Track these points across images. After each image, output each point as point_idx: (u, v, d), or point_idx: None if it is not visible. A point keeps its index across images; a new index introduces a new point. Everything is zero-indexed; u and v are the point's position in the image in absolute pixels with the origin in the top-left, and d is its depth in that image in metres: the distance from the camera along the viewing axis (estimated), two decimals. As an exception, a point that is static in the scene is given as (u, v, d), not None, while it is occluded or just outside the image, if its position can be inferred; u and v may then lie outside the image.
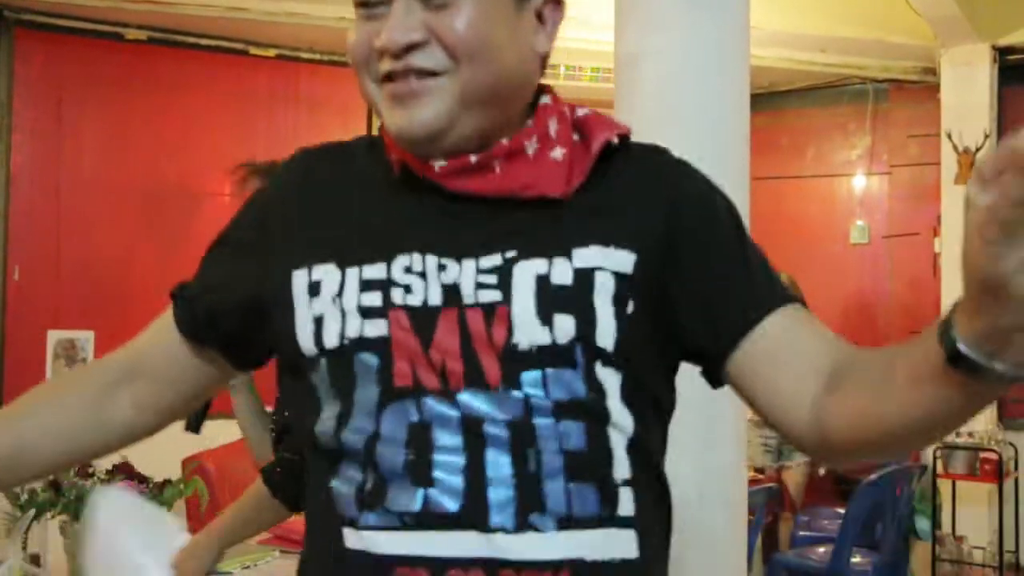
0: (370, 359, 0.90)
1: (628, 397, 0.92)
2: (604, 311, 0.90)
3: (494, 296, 0.90)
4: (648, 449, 0.96)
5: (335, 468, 0.93)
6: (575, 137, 0.97)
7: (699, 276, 0.96)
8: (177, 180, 5.32)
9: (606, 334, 0.90)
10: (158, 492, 2.07)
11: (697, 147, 2.29)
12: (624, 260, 0.92)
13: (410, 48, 0.89)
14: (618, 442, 0.92)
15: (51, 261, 4.96)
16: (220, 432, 2.76)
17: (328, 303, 0.93)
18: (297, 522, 1.91)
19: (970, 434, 5.14)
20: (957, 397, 0.78)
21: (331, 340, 0.92)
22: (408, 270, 0.92)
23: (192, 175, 5.39)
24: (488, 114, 0.92)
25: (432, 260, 0.92)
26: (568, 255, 0.91)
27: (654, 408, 0.98)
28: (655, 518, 0.97)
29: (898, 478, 4.34)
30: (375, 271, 0.92)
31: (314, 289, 0.94)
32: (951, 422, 0.83)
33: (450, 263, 0.91)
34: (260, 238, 1.03)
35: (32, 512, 2.02)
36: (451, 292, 0.91)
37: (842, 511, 4.34)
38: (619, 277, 0.92)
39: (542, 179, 0.94)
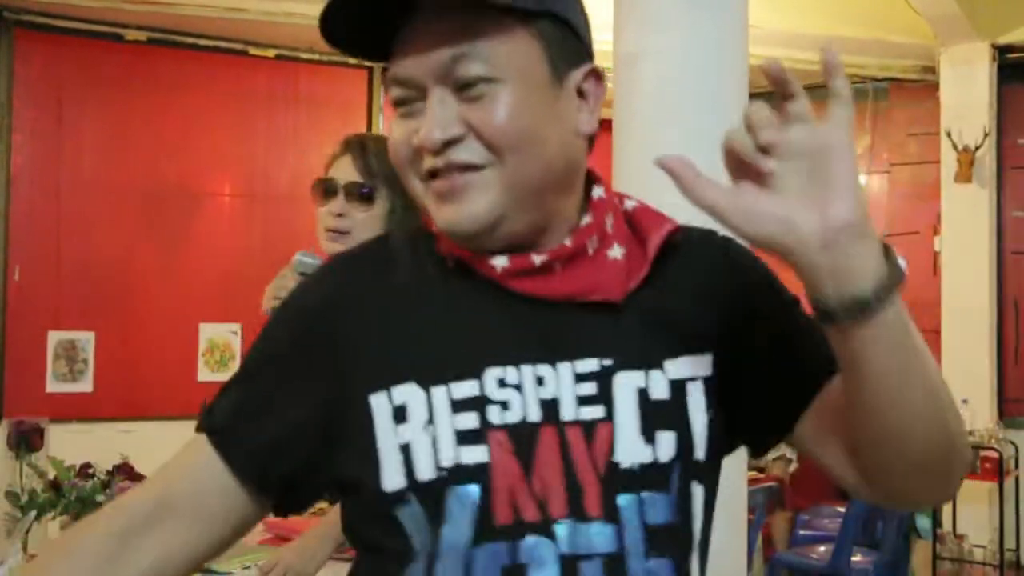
0: (469, 491, 0.83)
1: (707, 516, 0.91)
2: (698, 423, 0.88)
3: (596, 413, 0.86)
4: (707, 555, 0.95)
5: None
6: (630, 233, 0.93)
7: (768, 356, 0.93)
8: (177, 180, 5.32)
9: (700, 446, 0.88)
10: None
11: (696, 147, 2.30)
12: (706, 363, 0.91)
13: (449, 143, 0.84)
14: (696, 563, 0.91)
15: (51, 261, 4.96)
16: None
17: (418, 430, 0.84)
18: (297, 522, 1.91)
19: (970, 433, 5.14)
20: (848, 361, 0.80)
21: (425, 473, 0.83)
22: (502, 383, 0.85)
23: (192, 175, 5.39)
24: (539, 204, 0.87)
25: (528, 370, 0.86)
26: (660, 367, 0.88)
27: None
28: None
29: (898, 477, 4.33)
30: (467, 388, 0.85)
31: (399, 415, 0.85)
32: (883, 393, 0.81)
33: (546, 371, 0.86)
34: (315, 359, 0.90)
35: (33, 513, 2.03)
36: (550, 407, 0.85)
37: (842, 510, 4.34)
38: (705, 382, 0.90)
39: (603, 282, 0.89)
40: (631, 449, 0.85)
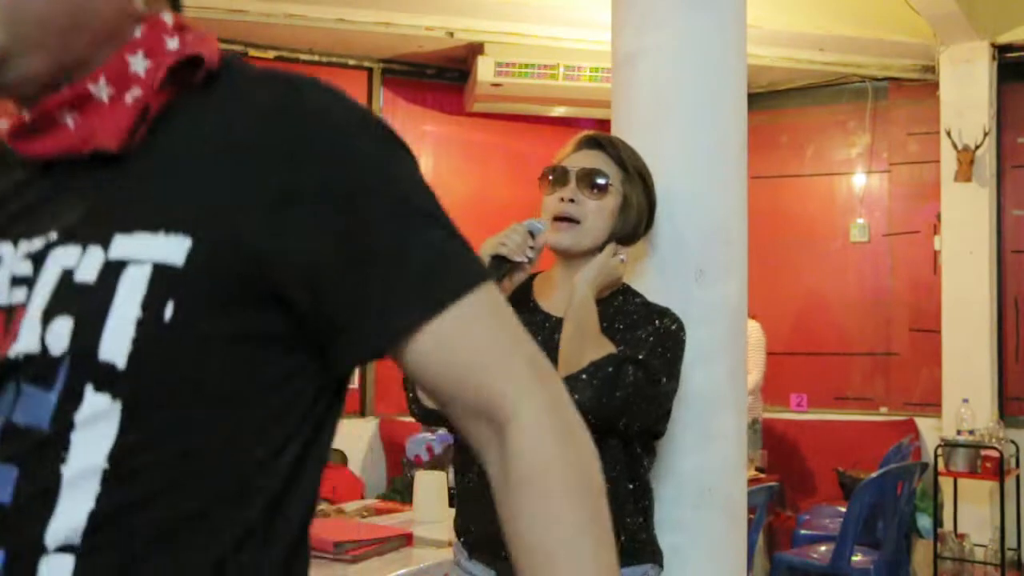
0: None
1: (127, 446, 0.70)
2: (120, 317, 0.70)
3: (19, 296, 0.73)
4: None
5: None
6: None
7: (325, 270, 0.74)
8: (177, 182, 5.32)
9: (114, 346, 0.70)
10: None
11: (695, 146, 2.31)
12: (171, 249, 0.71)
13: None
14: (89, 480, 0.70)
15: (51, 263, 4.97)
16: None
17: None
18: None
19: (971, 432, 5.14)
20: None
21: None
22: None
23: (192, 177, 5.39)
24: (53, 47, 0.74)
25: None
26: (106, 242, 0.72)
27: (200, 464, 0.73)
28: None
29: (899, 476, 4.34)
30: None
31: None
32: None
33: (6, 250, 0.76)
34: None
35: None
36: None
37: (843, 509, 4.34)
38: (158, 271, 0.71)
39: (101, 130, 0.74)
40: (27, 335, 0.71)
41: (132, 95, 0.75)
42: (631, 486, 1.82)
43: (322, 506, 1.91)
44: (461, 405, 0.79)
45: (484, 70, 5.40)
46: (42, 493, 0.70)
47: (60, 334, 0.70)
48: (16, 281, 0.74)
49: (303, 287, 0.73)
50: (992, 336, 5.53)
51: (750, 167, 2.39)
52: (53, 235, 0.74)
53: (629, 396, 1.72)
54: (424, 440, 4.95)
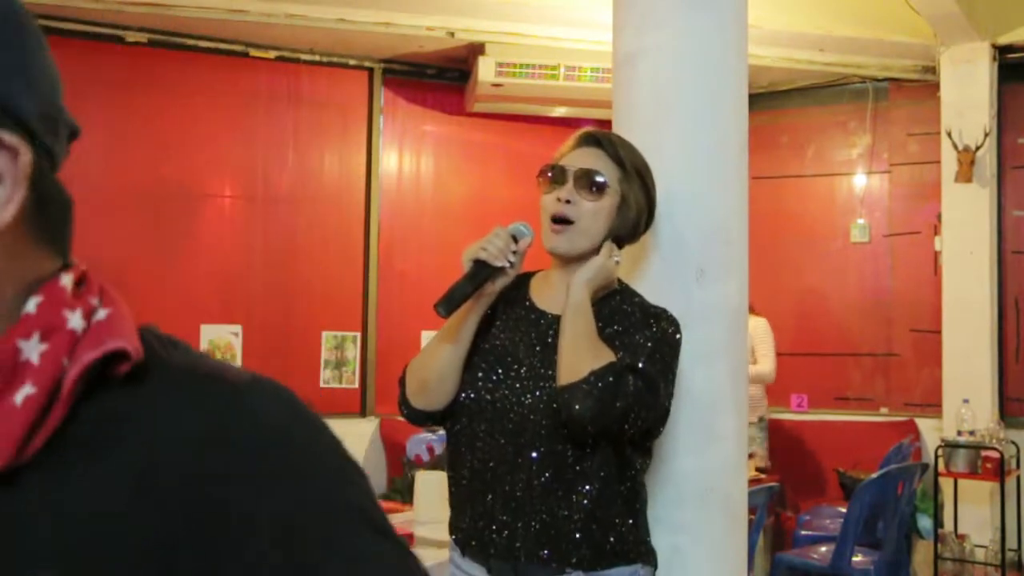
0: None
1: None
2: None
3: None
4: None
5: None
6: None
7: None
8: (178, 182, 5.32)
9: None
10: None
11: (696, 147, 2.31)
12: None
13: None
14: None
15: (52, 263, 4.97)
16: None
17: None
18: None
19: (971, 432, 5.14)
20: None
21: None
22: None
23: (192, 177, 5.39)
24: None
25: None
26: None
27: None
28: None
29: (900, 476, 4.34)
30: None
31: None
32: None
33: None
34: None
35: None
36: None
37: (843, 510, 4.34)
38: None
39: None
40: None
41: (23, 393, 0.60)
42: (622, 488, 1.82)
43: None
44: None
45: (485, 70, 5.40)
46: None
47: None
48: None
49: None
50: (992, 336, 5.53)
51: (750, 167, 2.39)
52: None
53: (629, 405, 1.72)
54: (424, 440, 4.94)
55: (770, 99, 6.15)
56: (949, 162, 5.50)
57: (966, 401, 5.26)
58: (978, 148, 5.41)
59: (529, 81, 5.48)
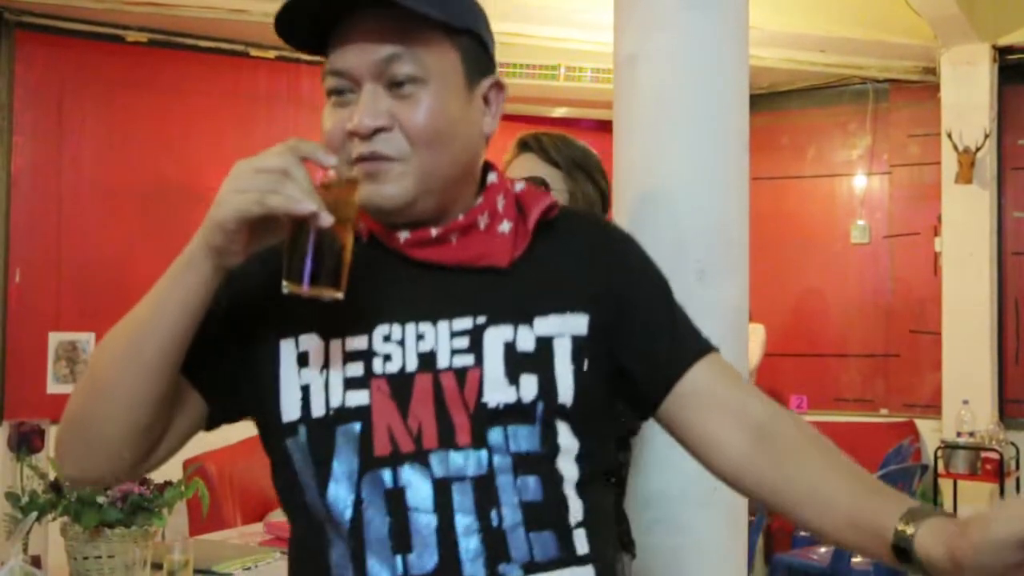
0: (352, 428, 0.98)
1: (582, 449, 1.03)
2: (563, 371, 1.02)
3: (467, 360, 1.00)
4: (596, 491, 1.07)
5: (325, 537, 1.00)
6: (517, 212, 1.08)
7: (639, 333, 1.09)
8: (178, 181, 5.32)
9: (565, 391, 1.01)
10: (159, 493, 2.07)
11: (697, 148, 2.31)
12: (579, 323, 1.04)
13: (377, 131, 0.98)
14: (570, 489, 1.02)
15: (52, 263, 4.96)
16: (222, 433, 2.75)
17: (315, 374, 1.01)
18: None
19: (971, 434, 5.15)
20: (884, 556, 0.94)
21: (317, 410, 0.99)
22: (387, 339, 1.01)
23: (192, 177, 5.39)
24: (444, 190, 1.02)
25: (411, 328, 1.01)
26: (530, 323, 1.02)
27: (602, 455, 1.08)
28: (608, 550, 1.09)
29: (899, 478, 4.34)
30: (358, 342, 1.01)
31: (302, 359, 1.02)
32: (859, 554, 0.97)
33: (427, 328, 1.01)
34: (244, 301, 1.05)
35: (33, 515, 2.02)
36: (426, 358, 1.00)
37: (843, 511, 4.33)
38: (575, 339, 1.03)
39: (492, 251, 1.04)
40: (497, 390, 0.99)
41: (502, 227, 1.05)
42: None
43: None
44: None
45: (485, 71, 5.39)
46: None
47: (529, 387, 1.00)
48: (457, 352, 1.00)
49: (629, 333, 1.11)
50: (992, 338, 5.53)
51: (751, 168, 2.39)
52: (481, 319, 1.01)
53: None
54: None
55: (771, 100, 6.16)
56: (949, 163, 5.51)
57: (966, 402, 5.27)
58: (978, 149, 5.41)
59: (529, 81, 5.48)
